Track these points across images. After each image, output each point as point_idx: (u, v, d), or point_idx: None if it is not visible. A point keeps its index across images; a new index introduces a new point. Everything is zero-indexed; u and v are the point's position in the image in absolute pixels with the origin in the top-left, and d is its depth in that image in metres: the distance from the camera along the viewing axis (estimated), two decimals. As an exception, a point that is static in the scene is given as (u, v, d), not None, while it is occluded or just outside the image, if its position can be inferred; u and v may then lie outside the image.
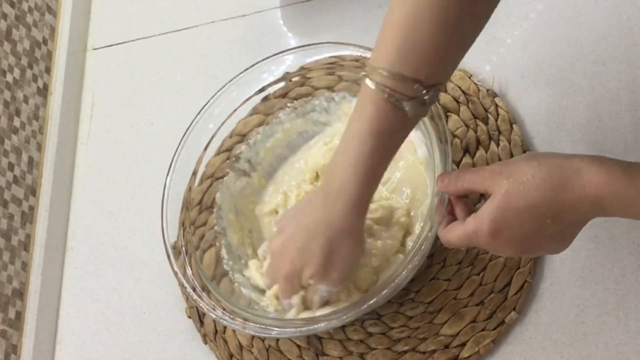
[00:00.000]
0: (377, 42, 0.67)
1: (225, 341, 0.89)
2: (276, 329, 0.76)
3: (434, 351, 0.81)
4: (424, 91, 0.66)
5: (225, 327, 0.89)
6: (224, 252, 0.87)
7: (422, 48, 0.65)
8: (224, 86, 0.89)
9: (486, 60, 0.94)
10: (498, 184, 0.64)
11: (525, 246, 0.66)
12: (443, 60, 0.67)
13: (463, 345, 0.81)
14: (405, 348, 0.82)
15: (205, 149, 0.89)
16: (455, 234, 0.69)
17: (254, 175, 0.92)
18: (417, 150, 0.85)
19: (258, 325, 0.77)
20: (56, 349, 0.97)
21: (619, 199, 0.60)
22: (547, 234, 0.64)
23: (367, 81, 0.67)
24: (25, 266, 0.97)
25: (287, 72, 0.91)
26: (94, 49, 1.14)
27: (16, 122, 1.01)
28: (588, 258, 0.82)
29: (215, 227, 0.88)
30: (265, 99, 0.91)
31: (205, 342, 0.90)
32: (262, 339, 0.87)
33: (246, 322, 0.77)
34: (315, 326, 0.75)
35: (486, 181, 0.66)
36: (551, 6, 0.94)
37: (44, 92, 1.07)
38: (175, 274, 0.82)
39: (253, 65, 0.89)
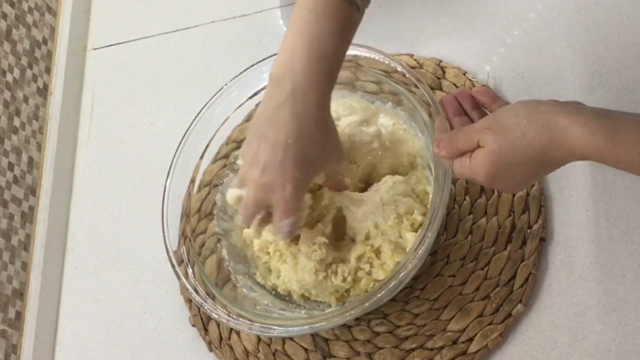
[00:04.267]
0: None
1: (230, 347, 0.89)
2: (279, 327, 0.76)
3: (441, 347, 0.82)
4: None
5: (230, 334, 0.89)
6: (224, 254, 0.87)
7: None
8: (222, 87, 0.88)
9: (486, 60, 0.94)
10: (489, 137, 0.67)
11: (520, 186, 0.72)
12: None
13: (471, 340, 0.81)
14: (413, 346, 0.83)
15: (202, 157, 0.89)
16: (456, 171, 0.72)
17: None
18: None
19: (262, 325, 0.77)
20: (56, 349, 0.97)
21: (603, 158, 0.62)
22: (538, 176, 0.72)
23: None
24: (25, 266, 0.97)
25: None
26: (94, 49, 1.14)
27: (16, 122, 1.01)
28: (588, 258, 0.82)
29: (216, 229, 0.88)
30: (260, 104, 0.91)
31: (211, 350, 0.90)
32: (268, 344, 0.87)
33: (253, 324, 0.77)
34: (320, 324, 0.75)
35: (477, 136, 0.68)
36: (551, 6, 0.94)
37: (44, 92, 1.07)
38: (181, 281, 0.82)
39: (253, 65, 0.89)
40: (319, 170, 0.75)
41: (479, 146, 0.68)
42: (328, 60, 0.70)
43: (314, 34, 0.69)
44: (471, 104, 0.76)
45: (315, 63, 0.69)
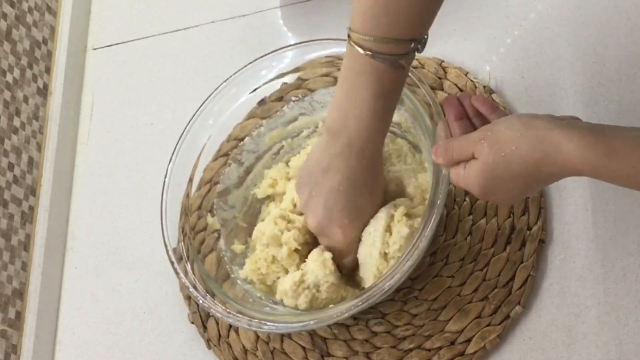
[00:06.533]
0: (357, 9, 0.69)
1: (229, 345, 0.89)
2: (271, 324, 0.76)
3: (439, 348, 0.82)
4: (419, 45, 0.71)
5: (228, 331, 0.89)
6: (222, 243, 0.87)
7: (409, 7, 0.67)
8: (221, 85, 0.88)
9: (486, 60, 0.94)
10: (483, 150, 0.67)
11: (512, 199, 0.72)
12: (432, 13, 0.70)
13: (469, 341, 0.81)
14: (411, 346, 0.83)
15: (200, 154, 0.89)
16: (452, 180, 0.73)
17: (257, 165, 0.91)
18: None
19: (260, 322, 0.77)
20: (56, 349, 0.97)
21: (597, 173, 0.62)
22: (531, 191, 0.71)
23: (360, 50, 0.69)
24: (25, 266, 0.97)
25: (282, 78, 0.91)
26: (94, 49, 1.14)
27: (16, 122, 1.01)
28: (588, 258, 0.82)
29: (215, 217, 0.88)
30: (262, 102, 0.91)
31: (209, 347, 0.90)
32: (267, 342, 0.87)
33: (252, 320, 0.77)
34: (311, 322, 0.75)
35: (472, 147, 0.68)
36: (551, 6, 0.94)
37: (44, 92, 1.07)
38: (180, 279, 0.82)
39: (251, 63, 0.89)
40: (366, 216, 0.79)
41: (473, 157, 0.68)
42: (379, 119, 0.73)
43: (364, 96, 0.72)
44: (473, 110, 0.76)
45: (367, 123, 0.73)
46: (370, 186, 0.77)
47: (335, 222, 0.77)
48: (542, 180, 0.66)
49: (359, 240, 0.79)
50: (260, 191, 0.89)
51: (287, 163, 0.89)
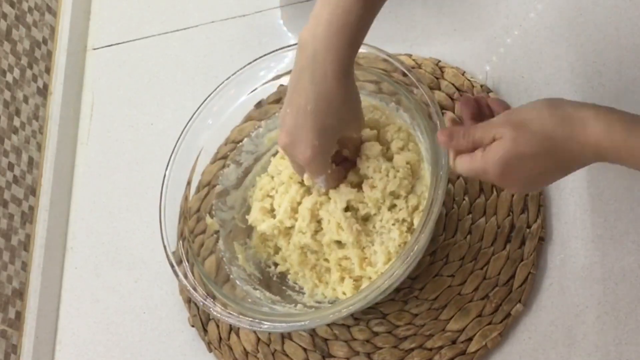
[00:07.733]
0: None
1: (230, 348, 0.89)
2: (274, 323, 0.76)
3: (441, 347, 0.82)
4: None
5: (229, 334, 0.89)
6: (220, 244, 0.87)
7: None
8: (219, 86, 0.88)
9: (486, 60, 0.94)
10: (506, 130, 0.66)
11: (530, 186, 0.71)
12: None
13: (470, 339, 0.81)
14: (412, 345, 0.83)
15: (198, 157, 0.89)
16: (464, 167, 0.70)
17: (256, 166, 0.91)
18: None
19: (258, 321, 0.77)
20: (56, 349, 0.97)
21: (617, 151, 0.62)
22: (551, 177, 0.69)
23: None
24: (25, 266, 0.97)
25: (279, 80, 0.90)
26: (94, 49, 1.14)
27: (16, 122, 1.01)
28: (588, 258, 0.82)
29: (214, 218, 0.88)
30: (259, 104, 0.91)
31: (210, 350, 0.90)
32: (268, 344, 0.87)
33: (253, 321, 0.77)
34: (313, 320, 0.75)
35: (494, 130, 0.67)
36: (551, 6, 0.94)
37: (44, 92, 1.07)
38: (180, 281, 0.81)
39: (250, 63, 0.89)
40: (337, 136, 0.76)
41: (494, 140, 0.67)
42: (349, 28, 0.69)
43: (338, 2, 0.69)
44: (488, 111, 0.75)
45: (336, 30, 0.69)
46: (339, 106, 0.72)
47: (307, 143, 0.73)
48: (564, 160, 0.65)
49: (329, 161, 0.77)
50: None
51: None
